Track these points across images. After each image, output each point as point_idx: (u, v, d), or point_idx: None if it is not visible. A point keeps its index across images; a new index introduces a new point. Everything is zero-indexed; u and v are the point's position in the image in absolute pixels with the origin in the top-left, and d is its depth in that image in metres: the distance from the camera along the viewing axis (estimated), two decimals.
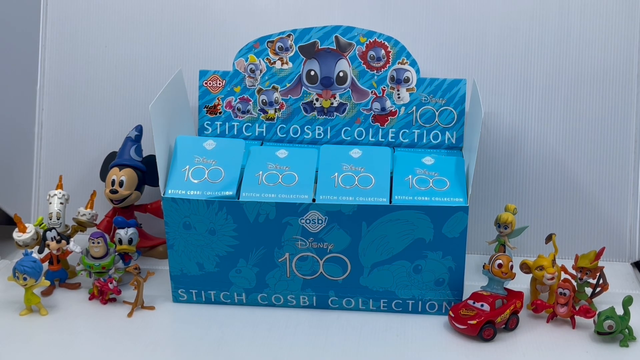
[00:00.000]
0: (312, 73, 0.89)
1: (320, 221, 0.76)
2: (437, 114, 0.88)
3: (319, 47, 0.88)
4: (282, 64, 0.89)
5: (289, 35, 0.89)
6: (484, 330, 0.74)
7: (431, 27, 0.94)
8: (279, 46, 0.89)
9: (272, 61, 0.89)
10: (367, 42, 0.88)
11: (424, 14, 0.94)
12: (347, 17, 0.94)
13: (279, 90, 0.90)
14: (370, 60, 0.88)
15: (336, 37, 0.88)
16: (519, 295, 0.78)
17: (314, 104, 0.89)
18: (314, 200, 0.77)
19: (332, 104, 0.89)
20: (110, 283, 0.80)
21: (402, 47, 0.87)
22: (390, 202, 0.76)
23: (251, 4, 0.96)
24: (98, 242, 0.81)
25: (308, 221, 0.76)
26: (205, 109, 0.91)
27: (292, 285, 0.80)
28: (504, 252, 0.86)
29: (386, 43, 0.87)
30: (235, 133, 0.91)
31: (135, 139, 0.91)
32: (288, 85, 0.89)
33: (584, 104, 0.93)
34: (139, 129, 0.91)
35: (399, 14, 0.94)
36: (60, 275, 0.85)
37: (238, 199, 0.77)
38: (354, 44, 0.88)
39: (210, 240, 0.78)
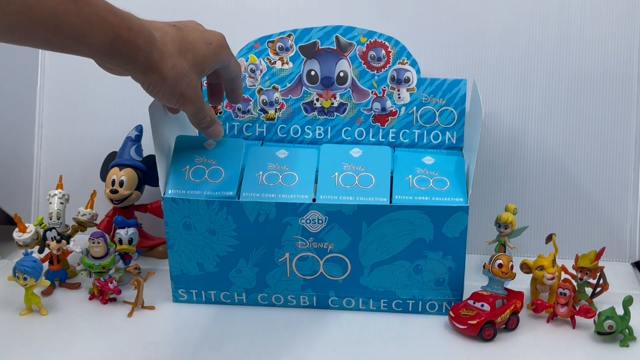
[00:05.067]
0: (313, 73, 0.89)
1: (320, 221, 0.76)
2: (437, 114, 0.88)
3: (320, 47, 0.88)
4: (283, 64, 0.89)
5: (289, 35, 0.89)
6: (484, 330, 0.74)
7: (431, 27, 0.94)
8: (279, 46, 0.89)
9: (272, 61, 0.89)
10: (368, 42, 0.88)
11: (424, 14, 0.94)
12: (348, 17, 0.94)
13: (279, 90, 0.90)
14: (371, 60, 0.88)
15: (336, 37, 0.88)
16: (519, 295, 0.78)
17: (315, 104, 0.89)
18: (314, 200, 0.77)
19: (332, 104, 0.89)
20: (111, 283, 0.80)
21: (402, 47, 0.87)
22: (391, 202, 0.76)
23: (251, 4, 0.96)
24: (98, 242, 0.81)
25: (308, 221, 0.76)
26: None
27: (292, 285, 0.80)
28: (504, 252, 0.86)
29: (387, 43, 0.87)
30: (236, 133, 0.91)
31: (136, 139, 0.91)
32: (288, 85, 0.89)
33: (584, 104, 0.93)
34: (139, 129, 0.91)
35: (400, 14, 0.94)
36: (61, 275, 0.85)
37: (238, 199, 0.77)
38: (355, 44, 0.88)
39: (211, 240, 0.78)
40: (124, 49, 0.64)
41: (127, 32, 0.63)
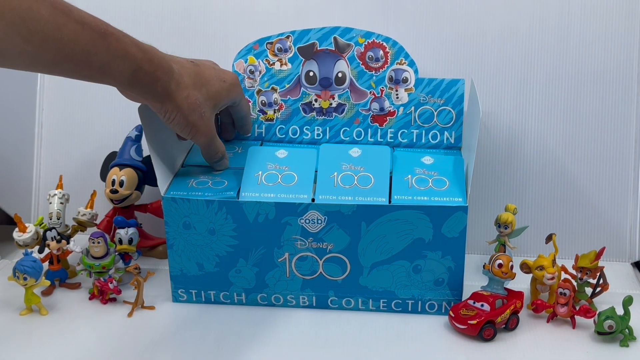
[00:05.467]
0: (311, 74, 0.89)
1: (319, 221, 0.76)
2: (435, 113, 0.88)
3: (318, 48, 0.89)
4: (281, 65, 0.89)
5: (287, 37, 0.89)
6: (484, 330, 0.74)
7: (431, 27, 0.94)
8: (278, 47, 0.89)
9: (271, 62, 0.90)
10: (366, 43, 0.88)
11: (423, 15, 0.94)
12: (347, 18, 0.94)
13: (278, 91, 0.90)
14: (369, 61, 0.88)
15: (335, 38, 0.88)
16: (519, 295, 0.78)
17: (313, 104, 0.89)
18: (313, 200, 0.77)
19: (331, 104, 0.89)
20: (111, 283, 0.80)
21: (400, 47, 0.87)
22: (390, 202, 0.76)
23: (251, 5, 0.96)
24: (98, 242, 0.81)
25: (307, 221, 0.76)
26: None
27: (291, 285, 0.80)
28: (504, 252, 0.86)
29: (384, 44, 0.88)
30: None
31: (136, 139, 0.91)
32: (287, 86, 0.90)
33: (584, 104, 0.93)
34: (139, 129, 0.91)
35: (399, 14, 0.94)
36: (60, 275, 0.85)
37: (237, 198, 0.77)
38: (353, 44, 0.88)
39: (210, 240, 0.78)
40: (145, 79, 0.70)
41: (148, 64, 0.69)
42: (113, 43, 0.66)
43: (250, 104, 0.90)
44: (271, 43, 0.89)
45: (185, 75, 0.74)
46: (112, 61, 0.66)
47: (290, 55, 0.89)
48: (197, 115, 0.75)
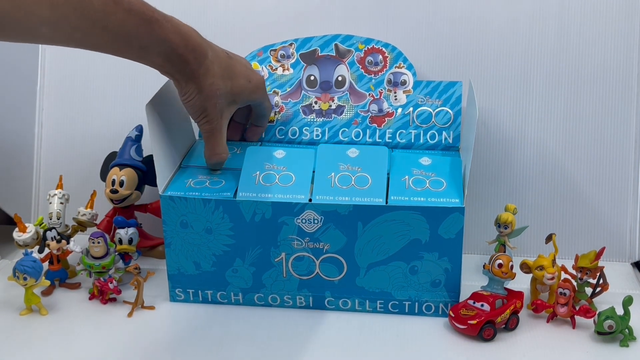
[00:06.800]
0: (312, 78, 0.90)
1: (316, 221, 0.76)
2: (433, 114, 0.88)
3: (319, 54, 0.89)
4: (284, 70, 0.91)
5: (290, 44, 0.91)
6: (484, 330, 0.74)
7: (430, 29, 0.94)
8: (281, 54, 0.91)
9: (274, 68, 0.91)
10: (366, 49, 0.89)
11: (423, 18, 0.94)
12: (346, 22, 0.94)
13: (279, 94, 0.91)
14: (368, 65, 0.89)
15: (335, 45, 0.89)
16: (519, 295, 0.78)
17: (313, 106, 0.90)
18: (310, 200, 0.77)
19: (330, 106, 0.90)
20: (111, 283, 0.81)
21: (399, 52, 0.89)
22: (387, 202, 0.76)
23: (251, 9, 0.97)
24: (98, 242, 0.82)
25: (304, 221, 0.77)
26: None
27: (288, 285, 0.80)
28: (504, 252, 0.85)
29: (384, 49, 0.89)
30: None
31: (136, 139, 0.91)
32: (288, 89, 0.90)
33: (584, 104, 0.92)
34: (140, 129, 0.91)
35: (399, 19, 0.94)
36: (60, 275, 0.86)
37: (235, 198, 0.77)
38: (353, 50, 0.89)
39: (207, 239, 0.79)
40: (176, 61, 0.73)
41: (183, 49, 0.72)
42: (156, 29, 0.69)
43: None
44: (274, 50, 0.91)
45: (216, 64, 0.76)
46: (151, 45, 0.70)
47: (293, 61, 0.91)
48: (212, 104, 0.77)
